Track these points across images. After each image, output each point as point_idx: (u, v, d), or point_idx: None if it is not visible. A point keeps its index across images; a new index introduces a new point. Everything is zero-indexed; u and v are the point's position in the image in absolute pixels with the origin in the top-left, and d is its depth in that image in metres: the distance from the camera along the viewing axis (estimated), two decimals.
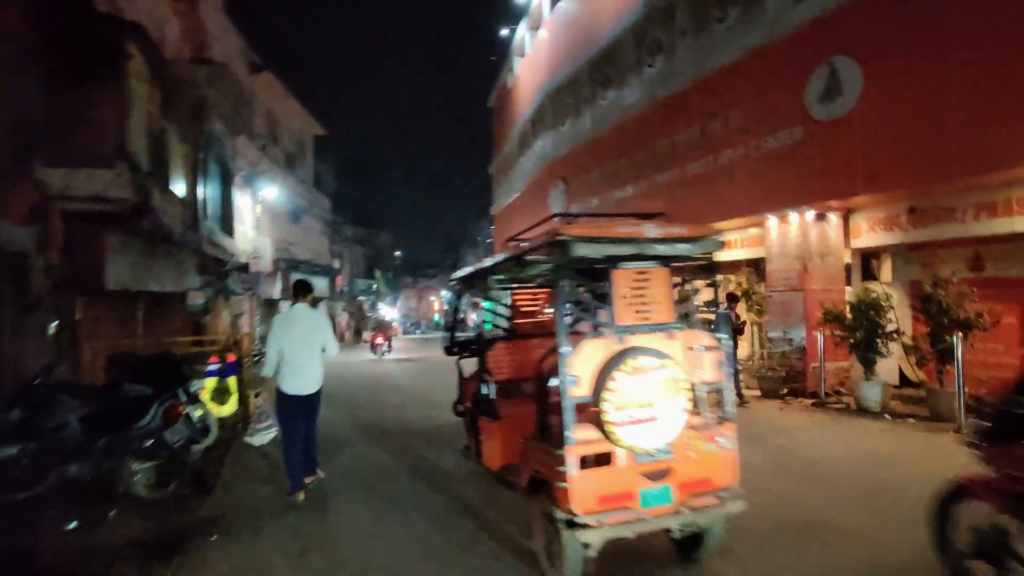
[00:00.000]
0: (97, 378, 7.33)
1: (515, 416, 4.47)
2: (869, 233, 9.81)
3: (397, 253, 57.73)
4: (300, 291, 5.62)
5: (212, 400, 7.89)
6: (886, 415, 8.02)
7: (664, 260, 3.77)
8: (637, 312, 3.62)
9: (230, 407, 7.93)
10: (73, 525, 4.50)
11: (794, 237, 10.19)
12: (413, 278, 64.34)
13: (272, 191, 19.15)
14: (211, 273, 13.15)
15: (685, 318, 3.93)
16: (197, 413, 6.26)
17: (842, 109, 8.85)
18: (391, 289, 49.27)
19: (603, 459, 3.39)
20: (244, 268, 15.93)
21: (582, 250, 3.33)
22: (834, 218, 9.99)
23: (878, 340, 8.30)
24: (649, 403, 3.38)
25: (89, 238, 7.91)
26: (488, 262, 4.77)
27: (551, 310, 5.19)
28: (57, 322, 7.57)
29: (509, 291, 6.14)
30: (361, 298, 41.01)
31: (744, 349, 11.38)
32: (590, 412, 3.45)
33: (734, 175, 11.04)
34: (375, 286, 43.57)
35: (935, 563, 3.39)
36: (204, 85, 12.94)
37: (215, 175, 14.05)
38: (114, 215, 7.82)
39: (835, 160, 9.04)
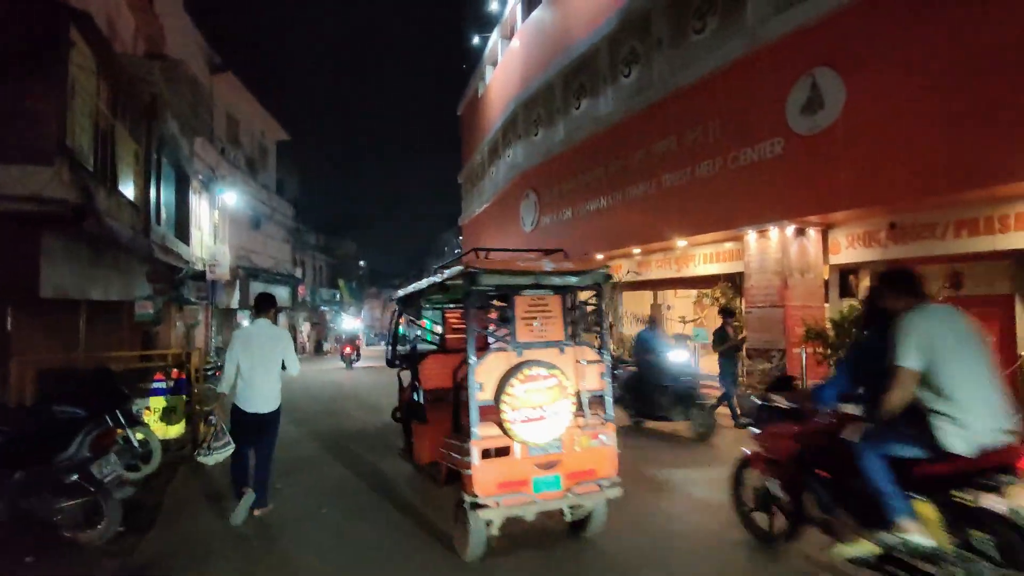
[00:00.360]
0: (26, 397, 6.61)
1: (440, 419, 5.08)
2: (848, 249, 9.70)
3: (362, 263, 56.62)
4: (262, 306, 5.41)
5: (159, 421, 7.24)
6: None
7: (557, 289, 4.50)
8: (533, 331, 4.38)
9: (177, 428, 7.27)
10: None
11: (774, 252, 10.02)
12: (378, 288, 63.18)
13: (232, 196, 18.31)
14: (163, 281, 12.32)
15: (574, 337, 4.65)
16: (138, 436, 5.64)
17: (824, 122, 8.72)
18: (355, 299, 48.18)
19: (503, 452, 4.11)
20: (200, 276, 15.10)
21: (488, 280, 4.09)
22: (813, 233, 9.87)
23: None
24: (540, 405, 4.12)
25: (23, 242, 7.16)
26: (417, 286, 5.63)
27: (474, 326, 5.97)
28: None
29: (442, 310, 7.14)
30: (324, 308, 39.94)
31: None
32: (493, 413, 4.09)
33: (712, 188, 10.85)
34: (339, 296, 42.53)
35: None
36: (159, 82, 12.21)
37: (170, 178, 13.27)
38: (53, 216, 7.10)
39: (817, 174, 8.90)
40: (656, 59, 12.63)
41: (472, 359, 4.09)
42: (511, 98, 20.28)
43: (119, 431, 5.19)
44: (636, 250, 13.99)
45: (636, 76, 13.42)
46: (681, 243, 12.57)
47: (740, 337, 9.73)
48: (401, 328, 6.98)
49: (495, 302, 4.77)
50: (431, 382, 5.78)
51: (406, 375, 6.40)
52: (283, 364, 5.29)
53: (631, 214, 13.33)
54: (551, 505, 4.16)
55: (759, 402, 4.49)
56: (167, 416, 7.18)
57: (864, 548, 3.33)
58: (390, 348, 6.97)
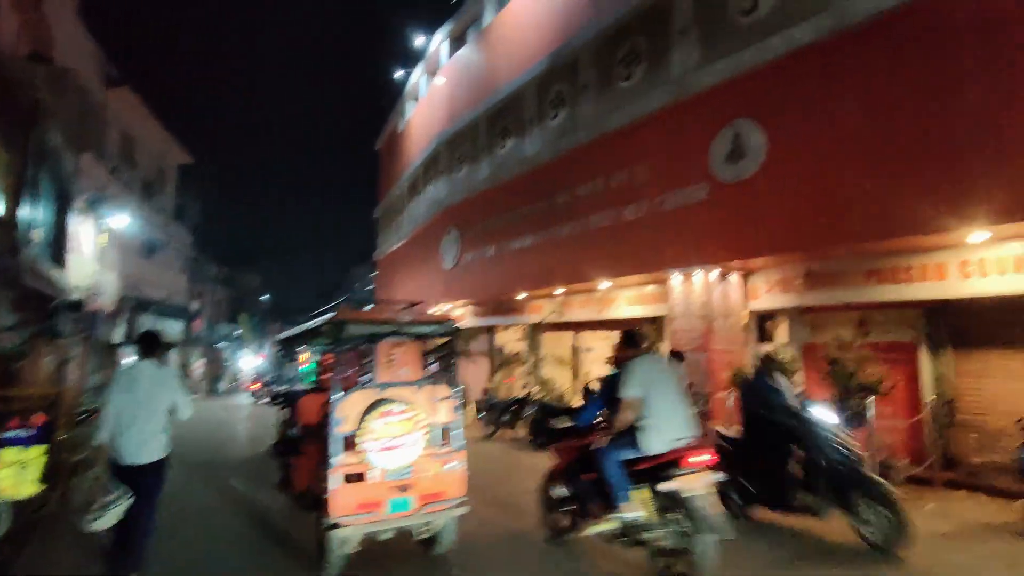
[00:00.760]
0: None
1: (312, 451, 5.51)
2: (766, 295, 9.95)
3: (265, 296, 53.61)
4: (147, 345, 4.72)
5: (10, 477, 6.01)
6: None
7: (415, 336, 5.38)
8: (392, 372, 5.26)
9: (30, 487, 6.06)
10: None
11: (698, 296, 10.13)
12: (283, 324, 59.95)
13: (123, 220, 16.60)
14: (31, 310, 10.76)
15: (430, 378, 5.52)
16: None
17: (746, 172, 8.99)
18: (257, 335, 45.29)
19: (361, 477, 4.65)
20: (76, 306, 13.39)
21: (353, 329, 4.88)
22: (735, 278, 10.07)
23: None
24: (394, 436, 4.76)
25: None
26: (292, 331, 6.39)
27: (343, 368, 6.46)
28: None
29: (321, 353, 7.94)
30: (221, 344, 37.15)
31: None
32: (354, 443, 4.69)
33: (639, 230, 10.93)
34: (239, 331, 39.80)
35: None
36: (41, 89, 10.92)
37: (48, 194, 11.79)
38: None
39: (739, 221, 9.12)
40: (583, 103, 12.79)
41: (335, 395, 4.74)
42: (434, 134, 20.01)
43: None
44: (559, 290, 13.85)
45: (563, 119, 13.52)
46: (604, 285, 12.55)
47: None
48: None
49: (362, 346, 5.54)
50: (306, 418, 6.20)
51: (285, 412, 6.92)
52: (174, 407, 4.63)
53: (556, 253, 13.22)
54: (404, 523, 4.77)
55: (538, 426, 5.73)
56: (19, 472, 5.97)
57: (606, 525, 4.65)
58: (271, 388, 7.65)
